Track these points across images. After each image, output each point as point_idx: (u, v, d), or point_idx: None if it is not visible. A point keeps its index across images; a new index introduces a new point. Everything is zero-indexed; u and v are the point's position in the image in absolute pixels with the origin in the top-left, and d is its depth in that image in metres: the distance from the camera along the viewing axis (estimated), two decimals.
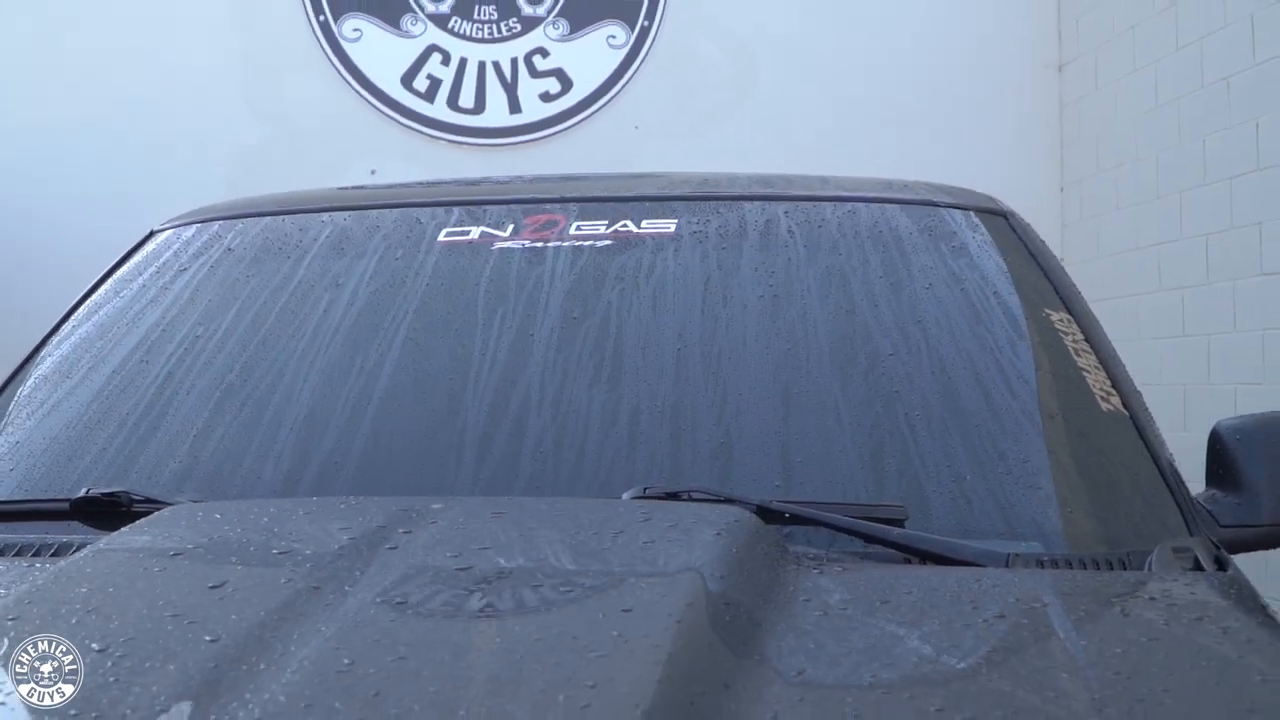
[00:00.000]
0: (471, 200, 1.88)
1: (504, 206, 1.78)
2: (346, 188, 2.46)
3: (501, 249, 1.61)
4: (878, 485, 1.29)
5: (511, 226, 1.66)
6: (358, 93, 4.76)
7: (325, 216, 1.77)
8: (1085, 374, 1.46)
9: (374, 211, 1.81)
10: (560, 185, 2.00)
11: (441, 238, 1.65)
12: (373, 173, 4.54)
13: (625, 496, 1.19)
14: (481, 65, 4.81)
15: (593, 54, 4.81)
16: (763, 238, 1.63)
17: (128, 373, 1.50)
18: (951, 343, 1.46)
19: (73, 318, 1.69)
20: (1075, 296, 1.63)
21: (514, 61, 4.81)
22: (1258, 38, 3.60)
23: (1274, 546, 1.47)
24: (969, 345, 1.46)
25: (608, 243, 1.60)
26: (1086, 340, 1.52)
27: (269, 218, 1.80)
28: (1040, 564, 1.16)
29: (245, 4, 4.84)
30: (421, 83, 4.78)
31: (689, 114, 4.84)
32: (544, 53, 4.82)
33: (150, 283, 1.68)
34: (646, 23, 4.81)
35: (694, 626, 0.86)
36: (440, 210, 1.76)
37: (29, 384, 1.57)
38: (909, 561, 1.14)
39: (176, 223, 1.86)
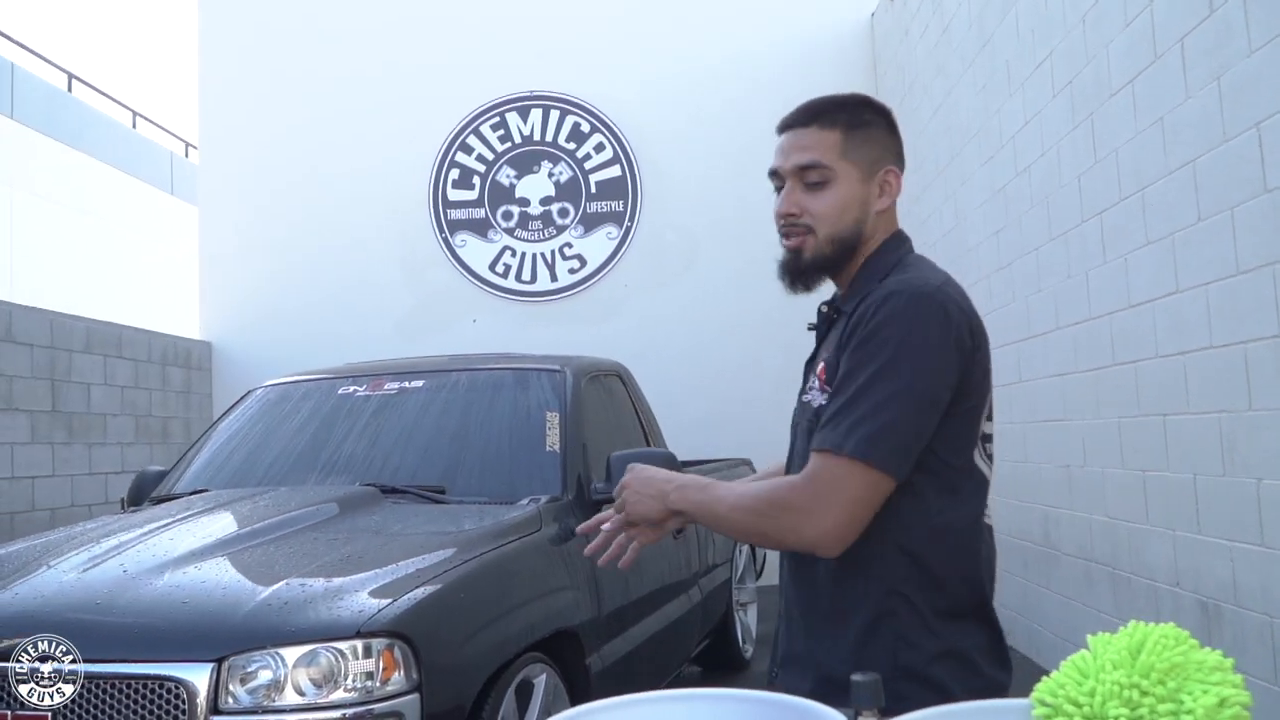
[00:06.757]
0: (356, 375, 4.86)
1: (365, 376, 4.74)
2: (352, 363, 5.55)
3: (355, 393, 4.58)
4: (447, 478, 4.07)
5: (365, 385, 4.61)
6: (464, 276, 7.98)
7: (315, 382, 4.80)
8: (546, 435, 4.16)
9: (334, 380, 4.81)
10: (385, 365, 4.91)
11: (339, 390, 4.64)
12: (474, 321, 7.71)
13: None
14: (534, 256, 7.88)
15: (599, 244, 7.75)
16: (454, 384, 4.45)
17: (219, 449, 4.60)
18: (513, 423, 4.21)
19: (207, 432, 4.83)
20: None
21: (552, 252, 7.85)
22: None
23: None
24: (521, 425, 4.19)
25: (395, 388, 4.50)
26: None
27: (295, 382, 4.87)
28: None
29: (402, 232, 8.21)
30: (500, 268, 7.92)
31: (658, 276, 7.63)
32: (570, 245, 7.82)
33: (241, 414, 4.79)
34: (630, 224, 7.68)
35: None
36: (348, 379, 4.74)
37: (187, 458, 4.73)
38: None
39: (258, 386, 4.98)
